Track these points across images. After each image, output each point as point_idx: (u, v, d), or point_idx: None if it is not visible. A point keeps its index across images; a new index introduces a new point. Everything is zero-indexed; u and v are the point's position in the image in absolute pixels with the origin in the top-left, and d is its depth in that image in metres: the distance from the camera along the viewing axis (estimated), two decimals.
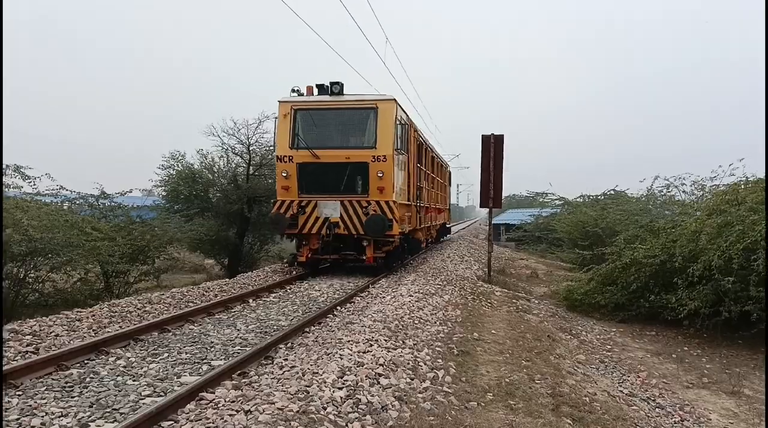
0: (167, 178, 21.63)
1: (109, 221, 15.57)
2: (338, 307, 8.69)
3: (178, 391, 4.42)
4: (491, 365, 6.34)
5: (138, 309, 8.12)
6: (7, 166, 12.54)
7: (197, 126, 47.39)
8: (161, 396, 4.60)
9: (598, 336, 10.15)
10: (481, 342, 7.29)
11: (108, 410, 4.33)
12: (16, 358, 5.54)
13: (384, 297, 9.63)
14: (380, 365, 5.38)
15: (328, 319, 7.85)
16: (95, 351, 5.79)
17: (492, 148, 14.17)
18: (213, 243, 20.99)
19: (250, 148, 22.09)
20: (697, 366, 8.67)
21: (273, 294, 10.17)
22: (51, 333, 6.49)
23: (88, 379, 5.05)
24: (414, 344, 6.48)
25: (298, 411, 4.01)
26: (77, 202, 15.65)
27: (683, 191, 19.86)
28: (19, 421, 4.04)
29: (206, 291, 9.95)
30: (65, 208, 14.74)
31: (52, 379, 5.00)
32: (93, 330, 6.83)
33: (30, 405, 4.31)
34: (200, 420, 3.95)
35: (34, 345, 5.94)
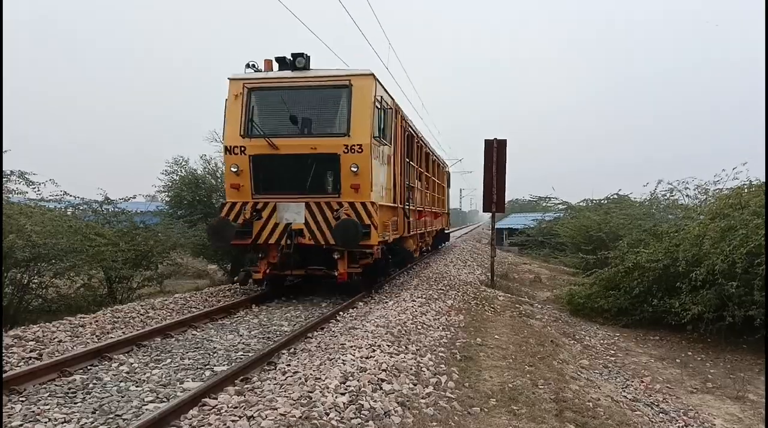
0: (170, 184, 21.68)
1: (112, 226, 15.59)
2: (340, 312, 8.67)
3: (180, 397, 4.43)
4: (494, 370, 6.32)
5: (141, 314, 8.13)
6: (11, 171, 12.59)
7: (198, 127, 47.44)
8: (164, 402, 4.61)
9: (601, 341, 10.13)
10: (484, 348, 7.27)
11: (111, 416, 4.34)
12: (20, 364, 5.55)
13: (387, 302, 9.61)
14: (383, 370, 5.37)
15: (331, 324, 7.85)
16: (98, 356, 5.80)
17: (495, 152, 14.16)
18: (216, 249, 20.96)
19: None
20: (701, 371, 8.64)
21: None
22: (54, 338, 6.50)
23: (91, 385, 5.06)
24: (417, 349, 6.48)
25: (300, 417, 4.01)
26: (81, 208, 15.69)
27: (686, 195, 19.85)
28: (22, 427, 4.05)
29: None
30: (69, 213, 14.76)
31: (55, 385, 5.01)
32: (96, 336, 6.84)
33: (33, 411, 4.32)
34: (203, 426, 3.95)
35: (37, 351, 5.95)
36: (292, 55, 9.77)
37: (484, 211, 15.19)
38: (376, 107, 9.68)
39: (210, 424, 3.95)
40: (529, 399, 5.44)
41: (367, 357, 5.83)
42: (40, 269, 12.16)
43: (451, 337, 7.49)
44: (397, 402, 4.64)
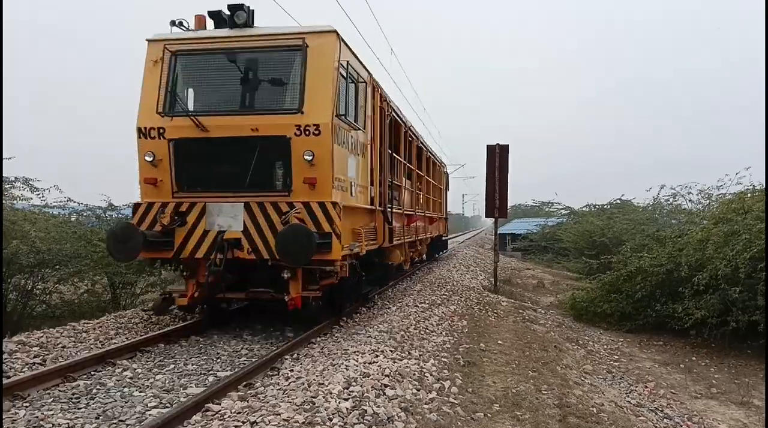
0: None
1: None
2: (344, 318, 8.67)
3: (184, 402, 4.43)
4: (498, 376, 6.31)
5: (144, 320, 8.14)
6: (15, 178, 12.66)
7: None
8: (167, 407, 4.62)
9: (605, 347, 10.10)
10: (487, 353, 7.27)
11: (114, 421, 4.35)
12: (24, 370, 5.56)
13: (390, 307, 9.61)
14: (386, 376, 5.37)
15: (334, 330, 7.85)
16: (102, 362, 5.81)
17: (497, 157, 14.18)
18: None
19: None
20: (706, 377, 8.61)
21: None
22: (58, 344, 6.52)
23: (94, 390, 5.07)
24: (420, 354, 6.47)
25: (303, 422, 4.01)
26: (84, 214, 15.74)
27: (690, 200, 19.85)
28: None
29: None
30: (73, 219, 14.82)
31: (59, 391, 5.01)
32: (100, 342, 6.85)
33: (37, 417, 4.32)
34: None
35: (41, 357, 5.97)
36: (229, 7, 7.47)
37: (486, 217, 15.20)
38: (341, 76, 7.39)
39: None
40: (533, 404, 5.43)
41: (370, 363, 5.83)
42: (44, 275, 12.21)
43: (455, 342, 7.49)
44: (401, 408, 4.64)
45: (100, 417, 4.40)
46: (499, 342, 8.04)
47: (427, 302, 10.34)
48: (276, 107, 7.38)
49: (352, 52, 8.02)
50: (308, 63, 7.15)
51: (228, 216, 7.14)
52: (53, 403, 4.69)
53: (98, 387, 5.18)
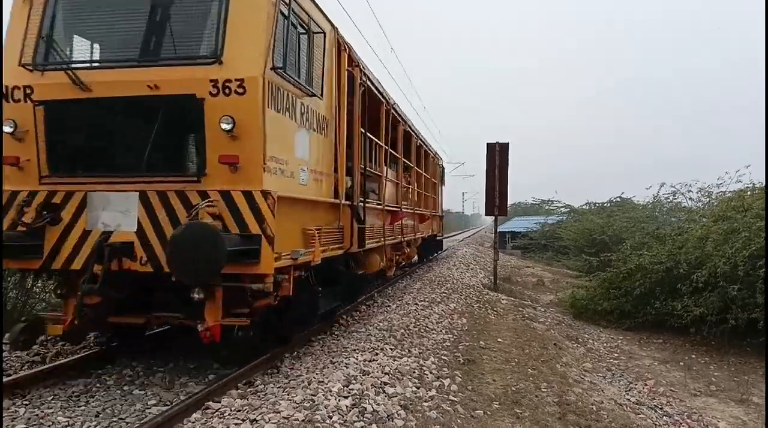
0: None
1: None
2: (344, 316, 8.68)
3: (184, 400, 4.44)
4: (497, 373, 6.32)
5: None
6: None
7: None
8: (167, 405, 4.62)
9: (604, 344, 10.11)
10: (487, 351, 7.27)
11: (114, 419, 4.35)
12: (24, 368, 5.57)
13: (390, 305, 9.61)
14: (386, 374, 5.38)
15: (333, 329, 7.86)
16: (102, 360, 5.80)
17: (497, 156, 14.17)
18: None
19: None
20: (705, 374, 8.62)
21: None
22: (58, 342, 6.51)
23: (94, 389, 5.07)
24: (420, 352, 6.48)
25: (303, 420, 4.01)
26: None
27: (689, 198, 19.85)
28: None
29: None
30: None
31: (59, 389, 5.02)
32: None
33: (37, 415, 4.33)
34: None
35: (41, 355, 5.96)
36: None
37: (486, 215, 15.20)
38: (282, 15, 5.27)
39: (213, 427, 3.95)
40: (532, 402, 5.44)
41: (370, 361, 5.84)
42: None
43: (454, 340, 7.50)
44: (400, 406, 4.64)
45: (100, 415, 4.43)
46: (499, 340, 8.05)
47: (426, 300, 10.34)
48: (184, 54, 5.18)
49: None
50: None
51: (117, 210, 5.04)
52: (53, 401, 4.71)
53: (98, 385, 5.18)
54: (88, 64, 5.38)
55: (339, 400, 4.47)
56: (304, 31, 5.86)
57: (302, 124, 5.75)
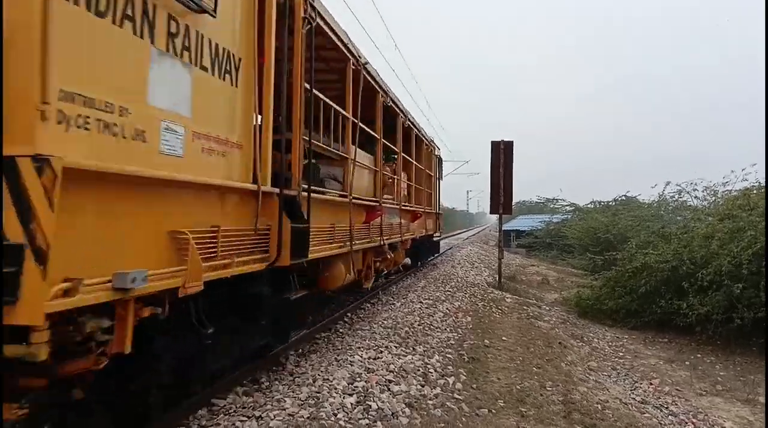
0: None
1: None
2: (348, 314, 8.70)
3: (190, 398, 4.44)
4: (502, 372, 6.32)
5: None
6: None
7: None
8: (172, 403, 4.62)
9: (610, 343, 10.09)
10: (491, 349, 7.27)
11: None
12: None
13: (394, 303, 9.62)
14: (390, 371, 5.39)
15: (338, 326, 7.87)
16: None
17: (502, 154, 14.16)
18: None
19: None
20: (711, 374, 8.59)
21: None
22: None
23: None
24: (424, 350, 6.48)
25: (308, 417, 4.03)
26: None
27: (695, 197, 19.79)
28: None
29: None
30: None
31: None
32: None
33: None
34: (212, 426, 3.97)
35: None
36: None
37: (491, 213, 15.18)
38: None
39: (219, 424, 3.96)
40: (537, 400, 5.44)
41: (374, 358, 5.85)
42: None
43: (459, 339, 7.50)
44: (405, 403, 4.65)
45: None
46: (504, 338, 8.04)
47: (431, 298, 10.34)
48: None
49: None
50: None
51: None
52: None
53: None
54: None
55: (344, 397, 4.48)
56: None
57: (172, 51, 3.37)
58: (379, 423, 4.19)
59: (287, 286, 5.20)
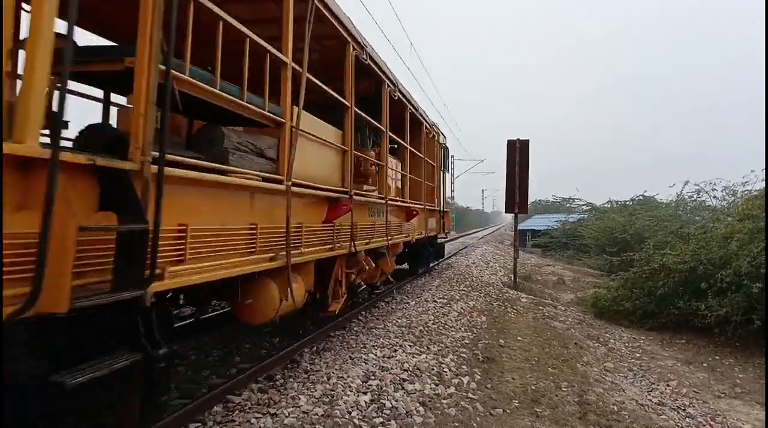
0: None
1: None
2: (362, 312, 8.71)
3: (205, 394, 4.48)
4: (517, 372, 6.28)
5: None
6: None
7: None
8: (188, 398, 4.67)
9: (626, 344, 10.00)
10: (506, 349, 7.24)
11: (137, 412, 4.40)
12: None
13: (409, 302, 9.62)
14: (405, 370, 5.38)
15: (352, 324, 7.88)
16: None
17: (517, 153, 14.08)
18: None
19: None
20: (730, 376, 8.48)
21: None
22: None
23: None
24: (439, 350, 6.47)
25: (323, 415, 4.04)
26: None
27: (714, 197, 19.55)
28: None
29: None
30: None
31: None
32: None
33: None
34: (227, 422, 4.00)
35: None
36: None
37: (506, 212, 15.10)
38: None
39: (234, 421, 3.99)
40: (552, 401, 5.40)
41: (388, 357, 5.85)
42: None
43: (473, 338, 7.47)
44: (419, 402, 4.64)
45: None
46: (519, 338, 8.00)
47: (445, 297, 10.32)
48: None
49: None
50: None
51: None
52: None
53: None
54: None
55: (358, 396, 4.49)
56: None
57: None
58: (393, 421, 4.19)
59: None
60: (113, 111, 4.84)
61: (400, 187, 10.14)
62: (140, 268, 2.71)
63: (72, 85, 4.02)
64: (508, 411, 5.05)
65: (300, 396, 4.42)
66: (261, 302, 4.67)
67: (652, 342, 10.38)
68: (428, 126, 12.18)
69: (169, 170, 3.01)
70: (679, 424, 6.04)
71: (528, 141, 14.21)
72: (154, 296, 2.90)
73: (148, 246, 2.72)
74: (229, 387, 4.63)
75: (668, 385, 7.73)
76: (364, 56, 6.86)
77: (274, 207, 4.50)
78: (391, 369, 5.40)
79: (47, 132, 2.62)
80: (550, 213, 42.41)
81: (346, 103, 6.34)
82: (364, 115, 6.83)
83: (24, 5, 2.87)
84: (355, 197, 6.48)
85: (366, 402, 4.41)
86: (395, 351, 6.15)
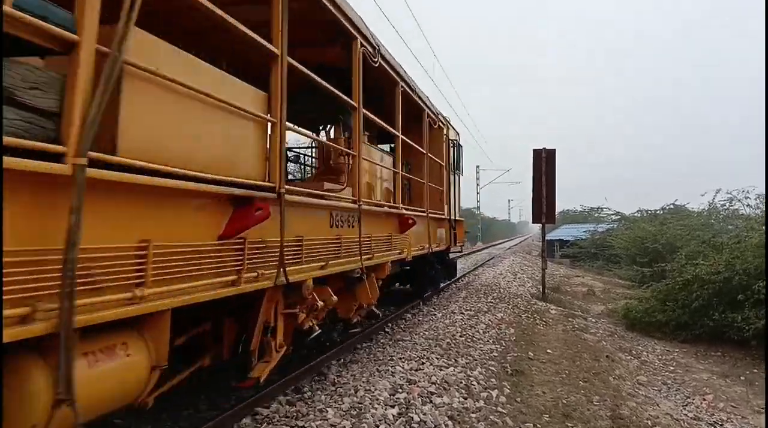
0: None
1: None
2: (389, 324, 8.68)
3: (234, 406, 4.50)
4: (547, 385, 6.18)
5: None
6: None
7: None
8: (217, 410, 4.70)
9: (659, 357, 9.77)
10: (536, 362, 7.13)
11: (168, 423, 4.45)
12: None
13: (435, 314, 9.56)
14: (432, 383, 5.34)
15: (379, 336, 7.86)
16: None
17: (543, 162, 13.95)
18: None
19: None
20: None
21: None
22: None
23: None
24: (467, 362, 6.41)
25: None
26: None
27: (747, 205, 19.10)
28: None
29: None
30: None
31: None
32: None
33: None
34: None
35: None
36: None
37: (533, 222, 14.93)
38: None
39: None
40: (584, 415, 5.30)
41: (416, 370, 5.81)
42: None
43: (502, 351, 7.38)
44: (447, 416, 4.60)
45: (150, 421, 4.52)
46: (548, 351, 7.88)
47: (473, 309, 10.23)
48: None
49: None
50: None
51: None
52: None
53: None
54: None
55: (386, 409, 4.46)
56: None
57: None
58: None
59: None
60: None
61: (391, 187, 7.87)
62: None
63: None
64: (538, 425, 4.97)
65: (328, 408, 4.41)
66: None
67: (686, 355, 10.12)
68: (432, 114, 9.79)
69: None
70: None
71: (554, 150, 14.08)
72: None
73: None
74: (257, 399, 4.65)
75: (704, 399, 7.52)
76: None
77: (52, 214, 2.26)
78: (419, 381, 5.36)
79: None
80: (578, 223, 41.87)
81: (273, 49, 3.97)
82: (313, 75, 4.65)
83: None
84: (289, 197, 4.15)
85: (393, 416, 4.38)
86: (422, 363, 6.11)
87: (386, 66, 6.74)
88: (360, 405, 4.49)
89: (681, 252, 13.78)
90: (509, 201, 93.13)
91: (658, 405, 6.51)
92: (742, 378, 8.75)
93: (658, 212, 28.41)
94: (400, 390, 4.98)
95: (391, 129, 7.19)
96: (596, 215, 39.12)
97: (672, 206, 27.96)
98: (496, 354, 7.10)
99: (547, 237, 15.87)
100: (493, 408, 5.13)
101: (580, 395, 5.92)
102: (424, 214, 9.02)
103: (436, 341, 7.24)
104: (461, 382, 5.58)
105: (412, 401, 4.75)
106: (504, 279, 17.08)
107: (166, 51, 2.96)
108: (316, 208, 4.97)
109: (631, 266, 21.08)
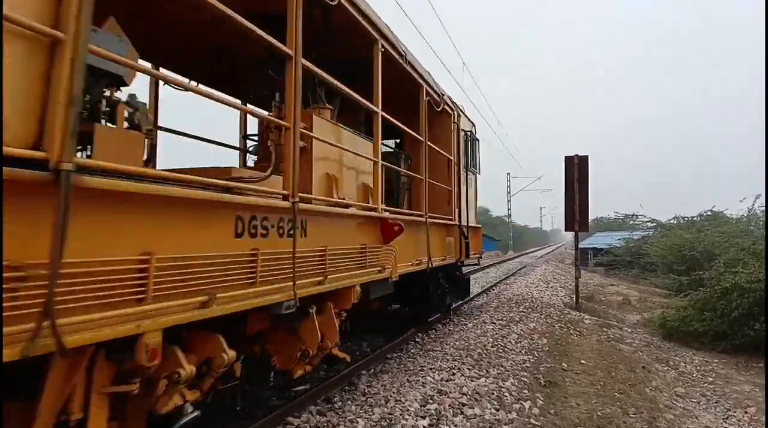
0: None
1: None
2: (419, 334, 8.64)
3: (264, 415, 4.54)
4: (581, 397, 6.07)
5: None
6: None
7: None
8: (249, 420, 4.74)
9: (698, 368, 9.50)
10: (569, 373, 7.01)
11: None
12: None
13: (466, 324, 9.49)
14: (464, 394, 5.29)
15: (409, 346, 7.83)
16: None
17: (576, 169, 13.77)
18: None
19: None
20: None
21: None
22: None
23: None
24: (498, 373, 6.33)
25: None
26: None
27: None
28: None
29: None
30: None
31: None
32: None
33: None
34: None
35: None
36: None
37: (566, 230, 14.72)
38: None
39: None
40: None
41: (447, 380, 5.77)
42: None
43: (535, 361, 7.28)
44: None
45: None
46: (582, 361, 7.74)
47: (504, 319, 10.12)
48: None
49: None
50: None
51: None
52: None
53: None
54: None
55: (416, 420, 4.44)
56: None
57: None
58: None
59: None
60: None
61: (371, 183, 5.78)
62: None
63: None
64: None
65: (358, 419, 4.41)
66: None
67: (726, 366, 9.82)
68: (434, 94, 7.69)
69: None
70: None
71: (587, 157, 13.89)
72: None
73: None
74: (288, 409, 4.68)
75: (746, 412, 7.28)
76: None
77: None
78: (450, 392, 5.32)
79: None
80: (612, 230, 41.11)
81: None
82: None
83: None
84: (89, 179, 2.17)
85: (425, 427, 4.35)
86: (453, 374, 6.06)
87: (351, 8, 4.77)
88: (390, 416, 4.48)
89: (719, 260, 13.41)
90: (541, 208, 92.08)
91: (697, 418, 6.33)
92: None
93: (695, 219, 27.75)
94: (430, 401, 4.95)
95: (362, 99, 5.01)
96: (631, 223, 38.37)
97: (709, 213, 27.28)
98: (528, 365, 7.01)
99: (580, 246, 15.62)
100: (526, 420, 5.05)
101: (615, 407, 5.80)
102: (422, 219, 6.99)
103: (467, 351, 7.18)
104: (493, 393, 5.52)
105: (443, 412, 4.71)
106: (536, 288, 16.87)
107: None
108: (187, 205, 2.84)
109: (667, 274, 20.62)
